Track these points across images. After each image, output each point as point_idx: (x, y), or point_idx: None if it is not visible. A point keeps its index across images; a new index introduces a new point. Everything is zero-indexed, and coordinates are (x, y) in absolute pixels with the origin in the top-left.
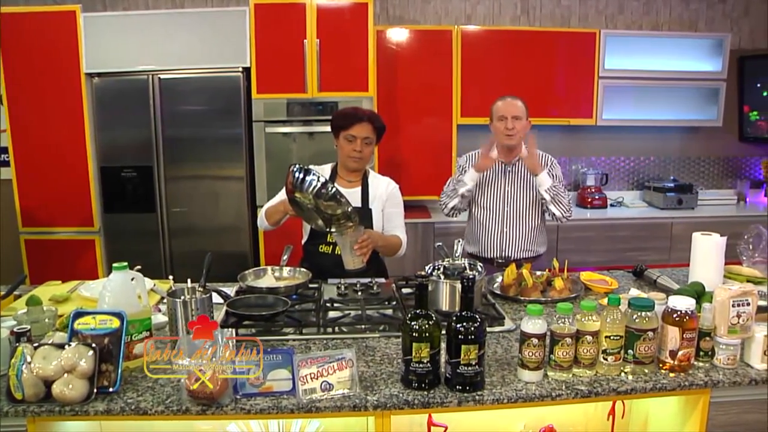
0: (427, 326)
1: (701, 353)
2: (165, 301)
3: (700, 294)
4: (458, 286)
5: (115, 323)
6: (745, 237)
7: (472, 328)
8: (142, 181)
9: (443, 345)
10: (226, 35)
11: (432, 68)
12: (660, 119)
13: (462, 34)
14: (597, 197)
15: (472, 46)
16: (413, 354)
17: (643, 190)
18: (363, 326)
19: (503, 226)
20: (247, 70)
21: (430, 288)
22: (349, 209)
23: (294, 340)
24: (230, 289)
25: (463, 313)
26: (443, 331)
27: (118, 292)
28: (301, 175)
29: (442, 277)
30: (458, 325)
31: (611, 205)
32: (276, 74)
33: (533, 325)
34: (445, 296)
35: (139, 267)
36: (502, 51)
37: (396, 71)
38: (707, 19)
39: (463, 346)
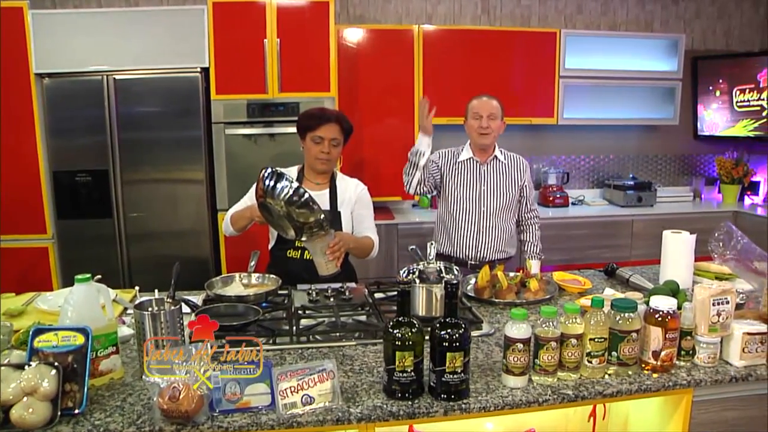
0: (410, 334)
1: (682, 352)
2: (129, 312)
3: (675, 292)
4: (435, 290)
5: (80, 339)
6: (716, 234)
7: (457, 335)
8: (97, 186)
9: (426, 353)
10: (184, 34)
11: (394, 68)
12: (619, 118)
13: (423, 33)
14: (558, 196)
15: (434, 46)
16: (396, 363)
17: (603, 188)
18: (338, 334)
19: (478, 226)
20: (205, 71)
21: None
22: (322, 217)
23: (267, 350)
24: (196, 298)
25: (447, 320)
26: (426, 338)
27: (82, 305)
28: (272, 182)
29: (418, 281)
30: (442, 332)
31: (572, 204)
32: (236, 74)
33: (518, 329)
34: (422, 301)
35: (99, 276)
36: (464, 50)
37: (357, 71)
38: (662, 20)
39: (448, 354)
